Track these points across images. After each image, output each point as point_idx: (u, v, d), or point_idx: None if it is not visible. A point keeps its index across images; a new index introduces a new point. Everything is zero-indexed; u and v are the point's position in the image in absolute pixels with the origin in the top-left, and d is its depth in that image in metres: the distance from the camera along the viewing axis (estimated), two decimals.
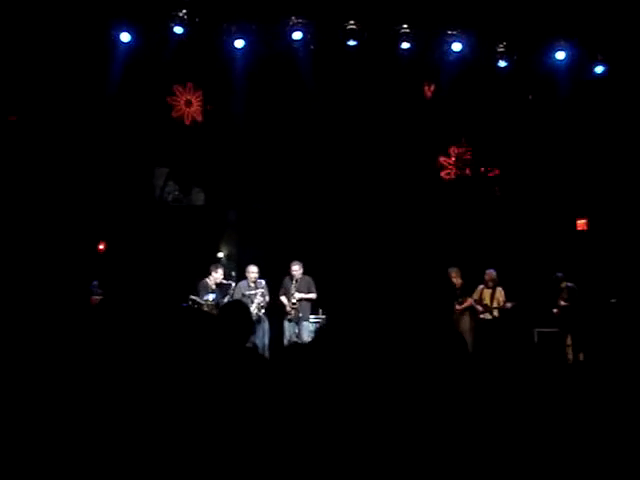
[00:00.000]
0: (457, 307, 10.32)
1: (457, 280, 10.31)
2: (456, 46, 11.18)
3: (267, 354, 9.02)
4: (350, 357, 3.00)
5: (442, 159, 12.29)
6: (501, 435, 2.26)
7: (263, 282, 9.87)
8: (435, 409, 2.39)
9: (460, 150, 12.26)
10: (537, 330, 10.41)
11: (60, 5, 10.09)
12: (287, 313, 9.98)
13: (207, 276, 9.72)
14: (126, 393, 2.50)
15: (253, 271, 9.83)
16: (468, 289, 10.44)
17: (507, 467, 2.19)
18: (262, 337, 9.63)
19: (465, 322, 10.31)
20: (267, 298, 9.80)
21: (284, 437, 2.22)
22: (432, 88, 11.90)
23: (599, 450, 2.24)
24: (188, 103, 11.57)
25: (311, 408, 2.36)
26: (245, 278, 9.85)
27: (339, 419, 2.30)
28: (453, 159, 12.26)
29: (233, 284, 9.76)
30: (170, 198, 11.44)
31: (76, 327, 3.43)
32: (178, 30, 10.76)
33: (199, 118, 11.57)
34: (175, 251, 10.70)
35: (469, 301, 10.42)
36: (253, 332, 9.08)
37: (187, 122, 11.49)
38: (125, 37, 10.78)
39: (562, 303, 10.48)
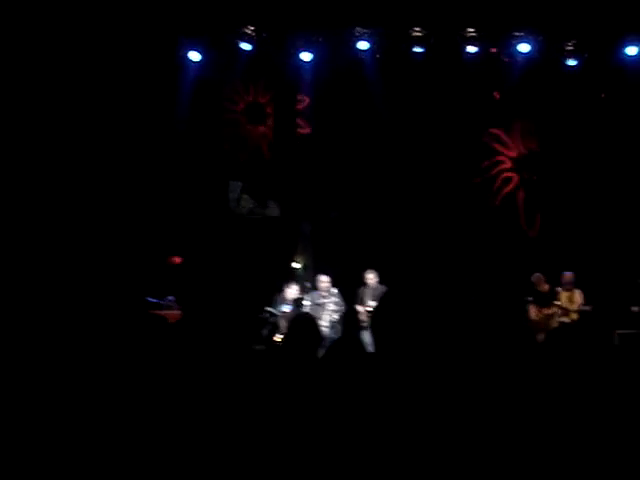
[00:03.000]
0: (546, 312, 10.26)
1: (543, 286, 10.31)
2: (523, 47, 11.08)
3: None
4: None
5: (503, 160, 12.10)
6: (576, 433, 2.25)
7: (336, 291, 9.90)
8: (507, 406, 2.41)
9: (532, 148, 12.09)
10: (618, 332, 10.21)
11: (130, 26, 10.40)
12: (362, 322, 9.99)
13: (282, 291, 9.80)
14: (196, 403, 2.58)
15: (324, 280, 9.86)
16: (554, 293, 10.37)
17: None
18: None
19: (553, 327, 10.21)
20: (340, 307, 9.82)
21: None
22: (500, 92, 11.76)
23: None
24: (254, 112, 11.70)
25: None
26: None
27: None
28: (514, 154, 12.06)
29: (314, 293, 9.83)
30: (245, 211, 11.61)
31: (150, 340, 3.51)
32: (246, 47, 10.98)
33: (269, 135, 11.73)
34: (251, 263, 10.86)
35: (557, 305, 10.36)
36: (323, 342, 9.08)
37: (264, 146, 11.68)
38: (194, 56, 11.06)
39: None
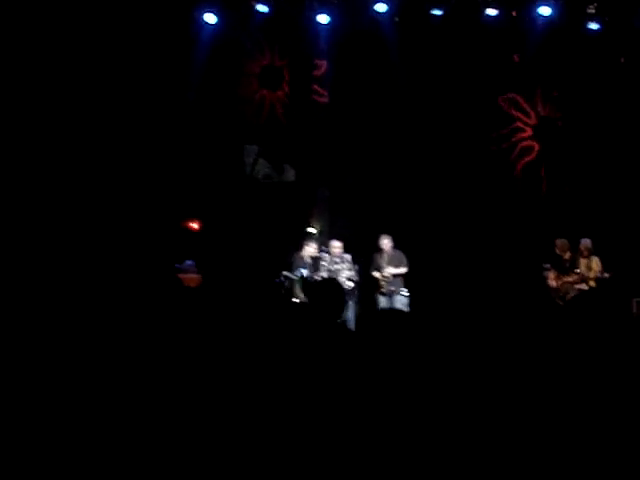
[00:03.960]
0: (566, 279, 10.23)
1: (563, 252, 10.23)
2: (545, 10, 10.90)
3: (353, 327, 9.00)
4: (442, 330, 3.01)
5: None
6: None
7: (349, 256, 9.88)
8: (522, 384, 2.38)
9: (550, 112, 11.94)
10: (636, 300, 10.18)
11: None
12: (380, 287, 9.99)
13: (300, 250, 9.78)
14: (218, 370, 2.56)
15: (336, 246, 9.82)
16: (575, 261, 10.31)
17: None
18: (348, 311, 9.59)
19: (573, 295, 10.17)
20: (353, 272, 9.80)
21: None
22: (520, 55, 11.59)
23: None
24: (269, 76, 11.59)
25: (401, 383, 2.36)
26: None
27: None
28: (534, 121, 11.92)
29: (326, 256, 9.81)
30: (261, 175, 11.57)
31: (170, 307, 3.51)
32: (262, 8, 10.86)
33: (285, 99, 11.63)
34: (267, 228, 10.86)
35: (578, 273, 10.29)
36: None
37: (279, 110, 11.60)
38: (210, 18, 10.94)
39: None
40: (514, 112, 11.85)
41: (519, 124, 11.88)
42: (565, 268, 10.22)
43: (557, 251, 10.30)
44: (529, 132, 11.91)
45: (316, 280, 9.08)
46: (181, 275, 9.37)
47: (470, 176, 11.33)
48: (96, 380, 2.54)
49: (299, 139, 11.37)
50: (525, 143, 11.90)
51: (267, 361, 2.65)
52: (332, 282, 4.38)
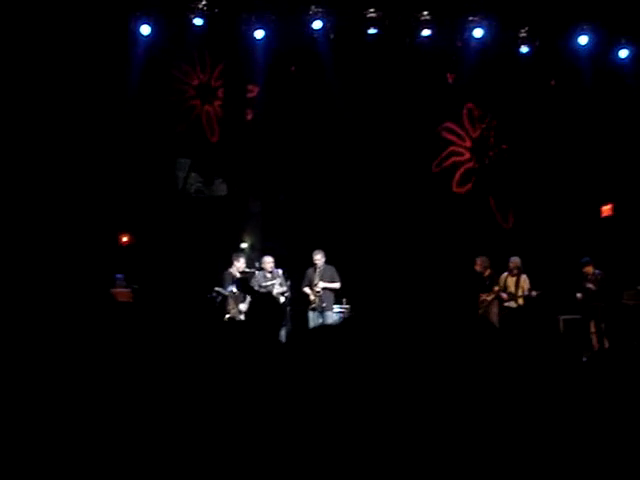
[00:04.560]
0: (485, 297, 10.28)
1: (484, 269, 10.24)
2: (477, 32, 11.12)
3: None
4: (374, 345, 2.97)
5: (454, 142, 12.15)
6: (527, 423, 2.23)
7: (280, 271, 9.84)
8: (464, 396, 2.37)
9: (483, 133, 12.16)
10: (563, 317, 10.35)
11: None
12: (311, 303, 9.97)
13: (230, 266, 9.71)
14: (150, 388, 2.49)
15: (268, 261, 9.81)
16: (496, 278, 10.36)
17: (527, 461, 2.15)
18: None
19: (493, 312, 10.25)
20: (285, 288, 9.76)
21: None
22: (454, 75, 11.78)
23: (620, 446, 2.19)
24: (204, 92, 11.53)
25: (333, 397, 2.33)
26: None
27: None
28: (469, 144, 12.13)
29: (256, 272, 9.76)
30: (193, 189, 11.46)
31: (101, 320, 3.40)
32: (198, 22, 10.80)
33: (219, 114, 11.57)
34: (198, 242, 10.74)
35: (496, 290, 10.32)
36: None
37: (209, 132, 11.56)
38: (145, 30, 10.82)
39: (589, 285, 10.31)
40: (449, 137, 12.05)
41: (456, 148, 12.09)
42: (485, 286, 10.28)
43: (477, 268, 10.28)
44: (467, 155, 12.11)
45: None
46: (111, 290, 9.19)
47: (402, 189, 11.41)
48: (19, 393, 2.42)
49: (231, 154, 11.31)
50: (465, 166, 12.11)
51: (202, 378, 2.56)
52: (269, 297, 4.37)
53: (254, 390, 2.41)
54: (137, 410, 2.29)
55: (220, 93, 11.55)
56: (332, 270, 10.00)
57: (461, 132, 12.10)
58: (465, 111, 12.05)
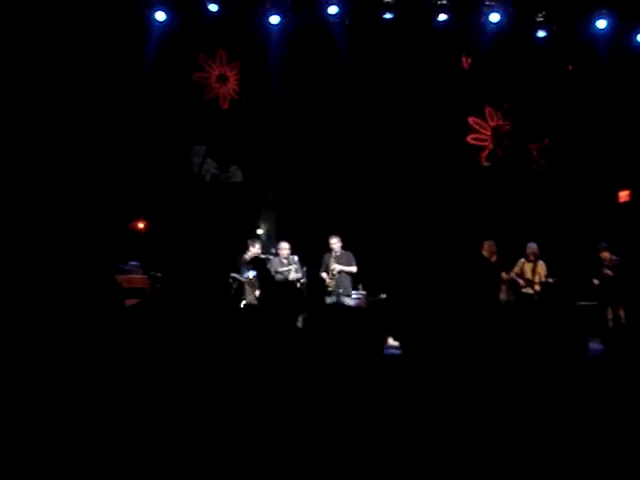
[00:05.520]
0: None
1: (490, 255, 9.84)
2: (494, 17, 11.03)
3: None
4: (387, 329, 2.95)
5: (476, 128, 12.11)
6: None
7: (296, 258, 9.76)
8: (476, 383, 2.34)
9: (500, 122, 12.10)
10: (580, 304, 10.30)
11: None
12: (327, 287, 9.91)
13: (245, 251, 9.66)
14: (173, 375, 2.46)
15: (284, 247, 9.72)
16: (503, 264, 10.20)
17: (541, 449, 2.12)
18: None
19: (503, 299, 10.14)
20: (300, 274, 9.72)
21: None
22: (469, 60, 11.71)
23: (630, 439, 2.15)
24: (222, 79, 11.54)
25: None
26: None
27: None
28: (489, 132, 12.10)
29: (272, 257, 9.72)
30: (208, 176, 11.44)
31: (104, 307, 3.36)
32: (213, 8, 10.77)
33: (235, 96, 11.55)
34: (214, 229, 10.73)
35: (504, 276, 10.18)
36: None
37: (224, 105, 11.52)
38: (160, 16, 10.81)
39: (606, 272, 10.23)
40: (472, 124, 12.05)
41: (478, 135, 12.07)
42: (492, 272, 10.10)
43: (484, 253, 9.92)
44: (489, 140, 12.08)
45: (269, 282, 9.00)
46: (125, 276, 9.17)
47: (419, 174, 11.37)
48: (25, 389, 2.39)
49: (247, 140, 11.28)
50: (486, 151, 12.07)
51: (222, 365, 2.54)
52: (289, 285, 4.33)
53: (272, 375, 2.39)
54: (149, 397, 2.27)
55: (235, 80, 11.53)
56: (349, 255, 9.93)
57: (481, 122, 12.11)
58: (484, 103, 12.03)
